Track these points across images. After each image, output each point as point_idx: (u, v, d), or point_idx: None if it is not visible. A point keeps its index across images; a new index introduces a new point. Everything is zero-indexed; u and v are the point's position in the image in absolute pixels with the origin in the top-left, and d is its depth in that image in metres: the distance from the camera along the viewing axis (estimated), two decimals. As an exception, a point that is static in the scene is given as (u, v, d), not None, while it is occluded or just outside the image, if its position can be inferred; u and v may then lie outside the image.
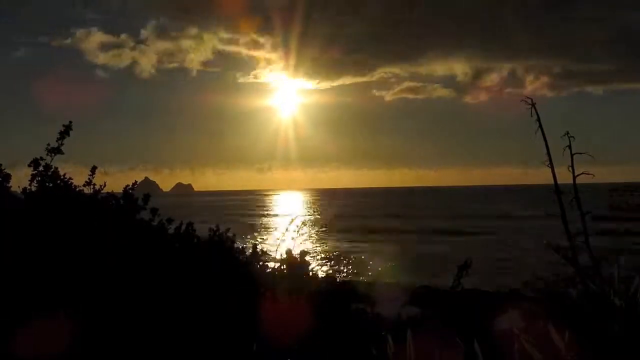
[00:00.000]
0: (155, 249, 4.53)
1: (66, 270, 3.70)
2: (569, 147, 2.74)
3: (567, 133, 2.76)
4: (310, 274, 5.76)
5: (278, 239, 5.88)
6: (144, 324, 3.72)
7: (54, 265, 3.67)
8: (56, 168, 4.25)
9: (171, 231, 5.19)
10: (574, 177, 2.72)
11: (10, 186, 4.10)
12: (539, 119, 2.78)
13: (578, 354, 1.92)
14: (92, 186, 4.56)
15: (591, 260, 2.44)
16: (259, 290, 4.81)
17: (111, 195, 4.73)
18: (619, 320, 2.10)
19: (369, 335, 4.14)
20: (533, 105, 2.77)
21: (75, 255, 3.78)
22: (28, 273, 3.58)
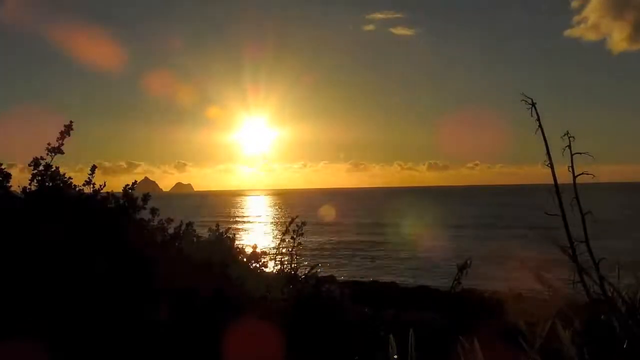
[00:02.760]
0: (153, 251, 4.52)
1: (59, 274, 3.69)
2: (569, 147, 2.75)
3: (567, 133, 2.76)
4: (311, 274, 5.75)
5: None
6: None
7: (47, 267, 3.67)
8: (57, 168, 4.26)
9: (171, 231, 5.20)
10: (574, 177, 2.73)
11: (11, 186, 4.12)
12: (538, 119, 2.78)
13: (580, 355, 1.93)
14: (91, 186, 4.57)
15: (592, 260, 2.45)
16: (255, 294, 4.81)
17: (111, 194, 4.75)
18: (621, 321, 2.10)
19: (371, 336, 4.14)
20: (533, 105, 2.78)
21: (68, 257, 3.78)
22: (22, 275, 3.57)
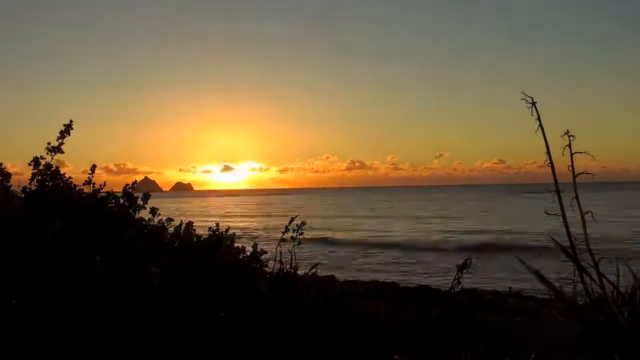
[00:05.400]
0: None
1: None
2: (569, 146, 2.75)
3: (567, 132, 2.76)
4: (311, 273, 5.75)
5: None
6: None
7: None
8: (57, 167, 4.27)
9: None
10: (574, 177, 2.73)
11: (11, 185, 4.12)
12: (539, 118, 2.78)
13: (580, 351, 1.92)
14: (91, 185, 4.57)
15: (591, 259, 2.45)
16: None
17: (110, 194, 4.75)
18: (621, 320, 2.10)
19: (372, 335, 4.14)
20: (534, 104, 2.77)
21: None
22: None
